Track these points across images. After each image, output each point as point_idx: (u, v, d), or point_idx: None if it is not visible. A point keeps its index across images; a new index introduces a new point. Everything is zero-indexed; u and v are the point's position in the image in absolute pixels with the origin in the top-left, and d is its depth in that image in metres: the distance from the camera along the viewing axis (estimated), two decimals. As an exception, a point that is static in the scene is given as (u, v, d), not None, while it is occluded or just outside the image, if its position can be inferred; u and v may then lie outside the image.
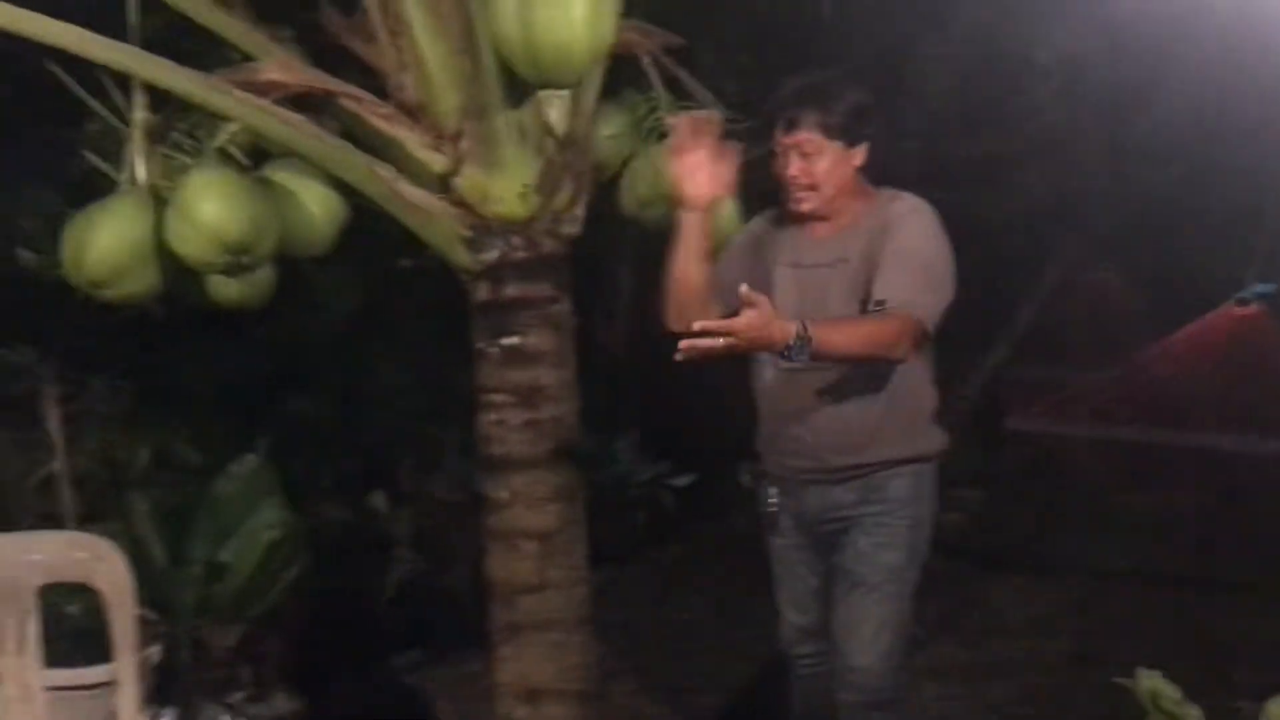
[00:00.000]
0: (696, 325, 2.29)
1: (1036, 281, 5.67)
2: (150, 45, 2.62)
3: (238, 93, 2.60)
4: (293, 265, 3.08)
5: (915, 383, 2.70)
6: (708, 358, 2.28)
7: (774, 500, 2.79)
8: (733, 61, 4.70)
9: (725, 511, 4.85)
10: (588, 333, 3.22)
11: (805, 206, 2.68)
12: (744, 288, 2.32)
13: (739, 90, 4.47)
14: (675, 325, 2.62)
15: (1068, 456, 4.91)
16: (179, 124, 2.77)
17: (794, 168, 2.64)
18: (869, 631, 2.67)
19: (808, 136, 2.62)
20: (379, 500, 4.23)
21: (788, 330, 2.31)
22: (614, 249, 5.47)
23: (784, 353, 2.32)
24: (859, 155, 2.66)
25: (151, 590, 3.24)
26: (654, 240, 3.26)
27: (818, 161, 2.62)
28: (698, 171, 2.62)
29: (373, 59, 2.78)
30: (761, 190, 2.96)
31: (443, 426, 4.42)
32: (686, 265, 2.67)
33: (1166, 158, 4.93)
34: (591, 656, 2.88)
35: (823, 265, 2.68)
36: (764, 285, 2.75)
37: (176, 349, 4.03)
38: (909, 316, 2.51)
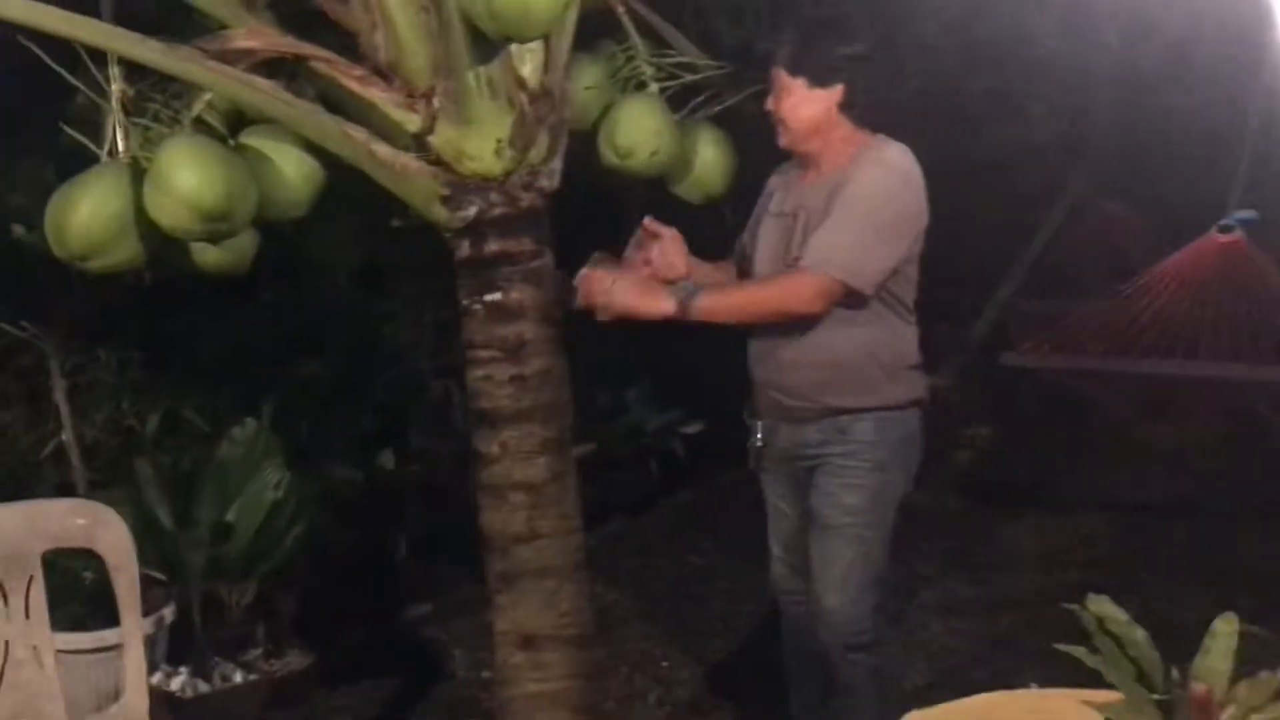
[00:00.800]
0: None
1: (1046, 215, 5.61)
2: (128, 18, 2.64)
3: (209, 62, 2.62)
4: (292, 229, 3.10)
5: (881, 333, 2.69)
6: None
7: (759, 436, 2.84)
8: (727, 2, 4.65)
9: (736, 457, 4.85)
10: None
11: (780, 142, 2.76)
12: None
13: (734, 33, 4.44)
14: None
15: (1074, 390, 4.87)
16: (159, 95, 2.79)
17: (767, 102, 2.73)
18: (837, 573, 2.69)
19: (776, 71, 2.69)
20: (387, 459, 4.28)
21: (662, 300, 2.62)
22: (625, 199, 5.46)
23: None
24: (831, 96, 2.66)
25: (161, 553, 3.33)
26: (664, 189, 3.26)
27: (785, 97, 2.68)
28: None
29: (346, 20, 2.79)
30: (762, 138, 2.97)
31: (448, 383, 4.47)
32: None
33: (1170, 87, 4.86)
34: (587, 603, 2.91)
35: (791, 214, 2.72)
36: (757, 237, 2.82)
37: (183, 317, 4.08)
38: (819, 276, 2.56)
